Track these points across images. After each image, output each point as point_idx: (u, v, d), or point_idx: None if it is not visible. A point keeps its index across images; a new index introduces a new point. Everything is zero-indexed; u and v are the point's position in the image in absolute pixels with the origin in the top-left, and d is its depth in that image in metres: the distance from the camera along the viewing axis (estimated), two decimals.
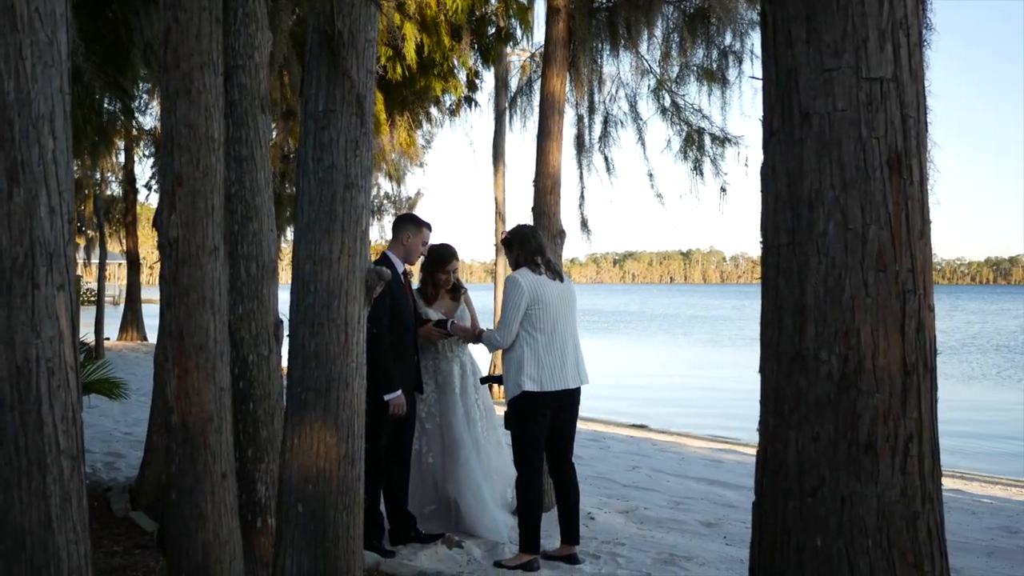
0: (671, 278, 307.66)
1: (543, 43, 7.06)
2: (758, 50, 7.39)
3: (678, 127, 7.26)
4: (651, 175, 7.92)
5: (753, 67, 7.30)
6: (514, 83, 19.09)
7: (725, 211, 7.49)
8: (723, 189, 7.33)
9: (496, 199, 20.25)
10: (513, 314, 5.56)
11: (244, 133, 4.80)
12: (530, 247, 5.74)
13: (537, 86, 9.74)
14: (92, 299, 25.97)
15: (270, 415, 4.97)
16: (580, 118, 7.44)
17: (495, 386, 6.51)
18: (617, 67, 7.39)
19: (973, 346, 38.61)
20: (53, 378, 2.73)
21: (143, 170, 37.15)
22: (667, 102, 7.28)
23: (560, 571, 5.64)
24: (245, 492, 4.54)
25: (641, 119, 7.42)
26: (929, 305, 2.90)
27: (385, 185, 20.67)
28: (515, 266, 5.81)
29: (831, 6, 2.85)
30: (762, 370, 3.04)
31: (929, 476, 2.84)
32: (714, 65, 7.36)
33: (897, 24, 2.86)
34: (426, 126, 10.32)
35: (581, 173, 7.37)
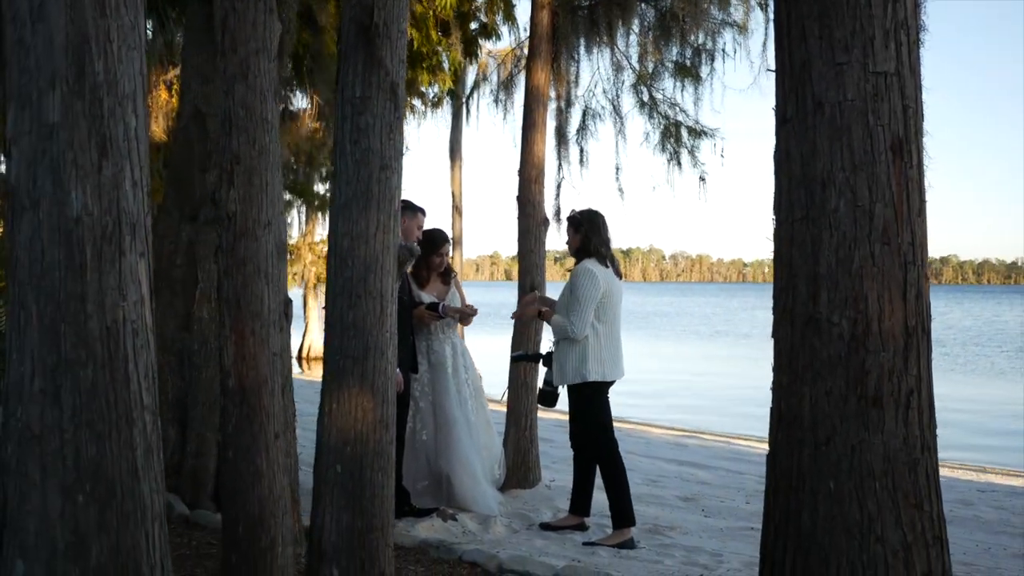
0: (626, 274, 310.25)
1: (528, 38, 7.34)
2: (730, 49, 7.82)
3: (656, 121, 7.61)
4: (618, 168, 8.26)
5: (725, 65, 7.68)
6: (469, 80, 19.33)
7: (707, 199, 7.89)
8: (702, 179, 7.70)
9: (453, 193, 20.51)
10: (588, 305, 5.72)
11: None
12: (601, 237, 5.88)
13: (495, 81, 10.07)
14: None
15: (281, 388, 5.19)
16: (560, 111, 7.74)
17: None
18: (597, 62, 7.72)
19: None
20: (137, 338, 2.95)
21: None
22: (645, 96, 7.62)
23: (550, 541, 5.93)
24: None
25: (619, 113, 7.75)
26: (925, 275, 3.25)
27: None
28: (579, 250, 5.92)
29: (842, 6, 3.19)
30: (775, 333, 3.37)
31: (927, 427, 3.19)
32: (688, 62, 7.72)
33: (899, 24, 3.21)
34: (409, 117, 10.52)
35: (560, 164, 7.68)
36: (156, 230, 7.29)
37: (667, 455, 9.78)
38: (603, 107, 7.77)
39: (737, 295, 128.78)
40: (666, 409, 15.60)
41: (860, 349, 3.13)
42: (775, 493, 3.32)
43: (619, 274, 6.00)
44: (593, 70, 7.69)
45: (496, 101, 8.39)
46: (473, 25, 7.90)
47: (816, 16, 3.22)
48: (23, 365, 2.83)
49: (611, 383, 5.97)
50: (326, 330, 3.95)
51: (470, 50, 7.88)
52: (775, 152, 3.38)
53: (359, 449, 3.84)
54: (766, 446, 10.78)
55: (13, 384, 2.84)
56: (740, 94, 7.45)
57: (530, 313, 6.40)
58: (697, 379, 22.40)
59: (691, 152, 7.60)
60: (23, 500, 2.80)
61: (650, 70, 7.63)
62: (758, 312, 73.08)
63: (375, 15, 3.86)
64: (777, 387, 3.33)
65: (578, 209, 6.06)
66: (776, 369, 3.35)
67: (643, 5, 7.59)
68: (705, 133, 7.57)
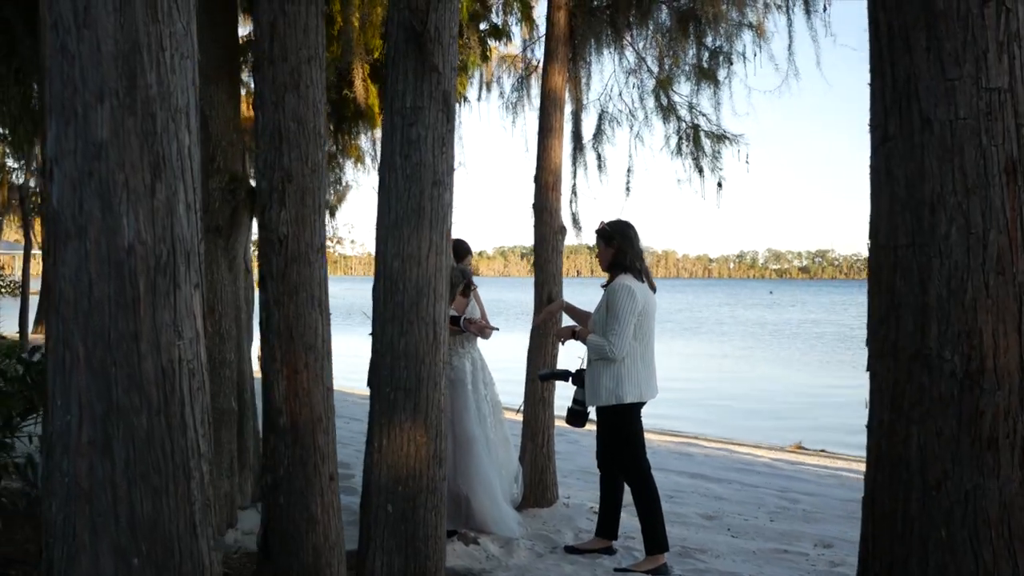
0: (578, 271, 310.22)
1: (544, 39, 7.07)
2: (749, 52, 7.58)
3: (675, 124, 7.37)
4: (629, 171, 8.02)
5: (745, 68, 7.44)
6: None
7: (722, 205, 7.70)
8: (719, 184, 7.47)
9: None
10: (628, 323, 5.42)
11: None
12: (635, 250, 5.61)
13: (503, 83, 9.80)
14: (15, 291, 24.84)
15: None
16: (576, 115, 7.49)
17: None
18: (614, 65, 7.47)
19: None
20: (193, 380, 2.66)
21: None
22: (664, 100, 7.37)
23: (579, 566, 5.68)
24: None
25: (635, 117, 7.50)
26: None
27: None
28: (612, 264, 5.64)
29: (951, 16, 2.95)
30: (872, 367, 3.13)
31: None
32: (705, 65, 7.48)
33: (1012, 36, 2.97)
34: None
35: (575, 170, 7.43)
36: None
37: (676, 466, 9.56)
38: (619, 111, 7.51)
39: (702, 292, 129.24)
40: (657, 413, 15.34)
41: (974, 388, 2.90)
42: (875, 538, 3.09)
43: (653, 287, 5.74)
44: (610, 73, 7.44)
45: (506, 105, 8.12)
46: (482, 26, 7.62)
47: (923, 26, 2.98)
48: (69, 413, 2.53)
49: (643, 403, 5.72)
50: (373, 358, 3.67)
51: (483, 52, 7.61)
52: (872, 172, 3.14)
53: (412, 487, 3.57)
54: (769, 454, 10.57)
55: (58, 434, 2.54)
56: (765, 96, 7.21)
57: (564, 334, 6.10)
58: (680, 379, 22.23)
59: (713, 157, 7.36)
60: (71, 564, 2.50)
61: (668, 73, 7.38)
62: (723, 309, 73.37)
63: (428, 20, 3.57)
64: (878, 425, 3.09)
65: (607, 221, 5.77)
66: (875, 405, 3.11)
67: (662, 5, 7.34)
68: (727, 138, 7.33)
